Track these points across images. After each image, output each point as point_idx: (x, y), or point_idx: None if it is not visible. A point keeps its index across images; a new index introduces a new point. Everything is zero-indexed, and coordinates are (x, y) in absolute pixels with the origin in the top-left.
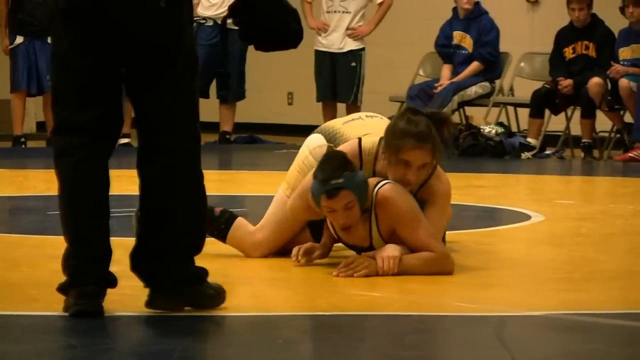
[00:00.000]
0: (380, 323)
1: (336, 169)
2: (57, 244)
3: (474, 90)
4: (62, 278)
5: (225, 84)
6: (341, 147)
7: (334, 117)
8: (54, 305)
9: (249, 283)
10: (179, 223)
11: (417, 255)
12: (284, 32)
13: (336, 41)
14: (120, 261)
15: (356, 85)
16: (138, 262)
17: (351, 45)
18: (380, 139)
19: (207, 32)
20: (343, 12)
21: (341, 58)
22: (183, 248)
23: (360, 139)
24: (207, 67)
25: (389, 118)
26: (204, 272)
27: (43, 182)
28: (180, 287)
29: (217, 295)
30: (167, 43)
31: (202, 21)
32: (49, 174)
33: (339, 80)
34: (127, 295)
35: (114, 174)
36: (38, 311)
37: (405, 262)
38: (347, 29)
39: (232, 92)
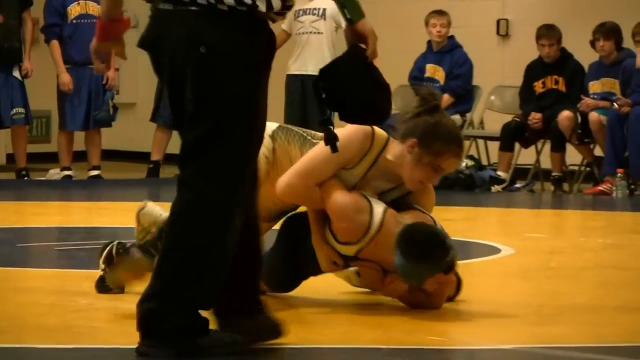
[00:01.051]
0: (350, 356)
1: (444, 246)
2: (26, 277)
3: None
4: (29, 309)
5: None
6: (351, 128)
7: None
8: (22, 338)
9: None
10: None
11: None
12: (366, 103)
13: (308, 64)
14: (88, 293)
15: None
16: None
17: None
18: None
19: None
20: (314, 32)
21: (311, 78)
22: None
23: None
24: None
25: None
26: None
27: (13, 214)
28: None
29: None
30: (205, 88)
31: None
32: (19, 205)
33: (310, 104)
34: (96, 328)
35: (83, 205)
36: (7, 344)
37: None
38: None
39: None
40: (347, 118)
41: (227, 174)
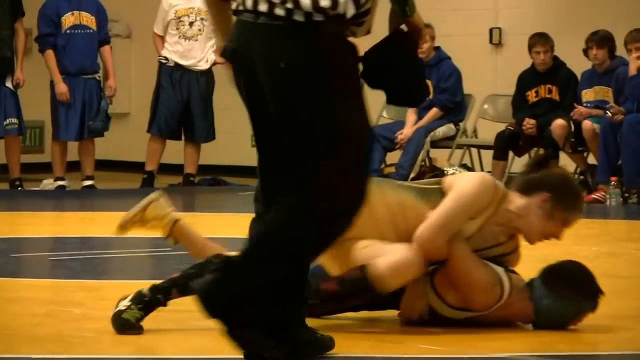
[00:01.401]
0: None
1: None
2: (19, 287)
3: (441, 132)
4: (23, 319)
5: (192, 125)
6: (473, 178)
7: None
8: (16, 348)
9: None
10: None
11: None
12: (413, 85)
13: None
14: (82, 304)
15: None
16: None
17: None
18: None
19: (168, 73)
20: None
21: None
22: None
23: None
24: (172, 109)
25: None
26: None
27: (6, 225)
28: None
29: None
30: (287, 104)
31: (164, 61)
32: (12, 216)
33: None
34: (89, 338)
35: (77, 216)
36: (0, 354)
37: None
38: None
39: (200, 133)
40: (395, 99)
41: (321, 185)
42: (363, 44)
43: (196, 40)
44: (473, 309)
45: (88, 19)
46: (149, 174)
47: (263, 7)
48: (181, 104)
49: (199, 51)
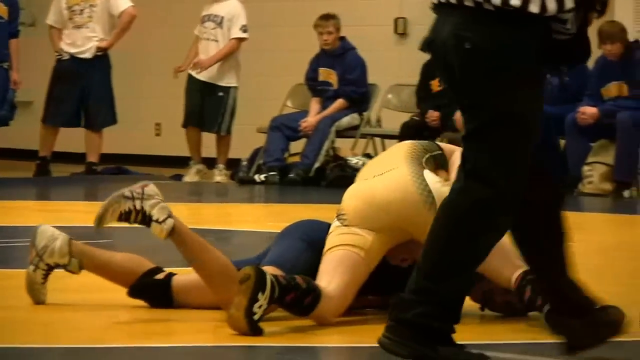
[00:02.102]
0: (238, 354)
1: None
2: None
3: (346, 121)
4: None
5: (89, 112)
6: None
7: (198, 144)
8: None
9: (112, 315)
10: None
11: None
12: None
13: (206, 71)
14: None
15: (221, 115)
16: None
17: (222, 81)
18: None
19: (65, 66)
20: (212, 40)
21: (210, 87)
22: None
23: None
24: (71, 99)
25: None
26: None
27: None
28: None
29: None
30: (470, 84)
31: (59, 56)
32: None
33: (206, 109)
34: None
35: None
36: None
37: None
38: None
39: (100, 118)
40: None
41: (492, 170)
42: None
43: (87, 27)
44: None
45: (1, 9)
46: (42, 160)
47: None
48: (76, 92)
49: (89, 39)
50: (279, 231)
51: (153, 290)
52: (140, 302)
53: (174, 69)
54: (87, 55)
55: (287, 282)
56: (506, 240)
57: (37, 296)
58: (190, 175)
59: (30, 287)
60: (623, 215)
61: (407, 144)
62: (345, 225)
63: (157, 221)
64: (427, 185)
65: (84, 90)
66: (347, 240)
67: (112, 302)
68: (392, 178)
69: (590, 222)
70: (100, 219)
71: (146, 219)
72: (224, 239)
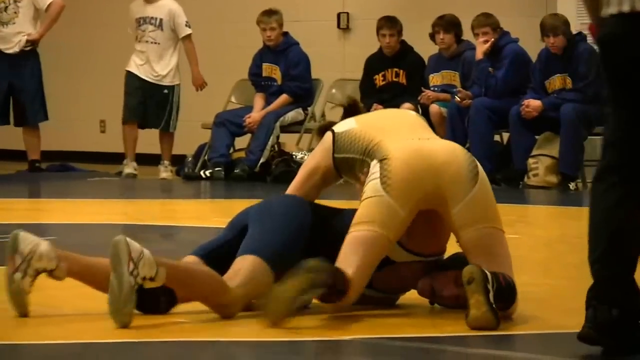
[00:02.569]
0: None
1: None
2: None
3: (290, 117)
4: None
5: (20, 109)
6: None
7: (135, 140)
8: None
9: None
10: None
11: None
12: None
13: (151, 72)
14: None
15: (168, 112)
16: None
17: (167, 80)
18: None
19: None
20: (152, 42)
21: (152, 87)
22: None
23: None
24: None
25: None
26: None
27: None
28: None
29: None
30: None
31: None
32: None
33: (150, 106)
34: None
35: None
36: None
37: None
38: None
39: (32, 115)
40: None
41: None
42: None
43: (13, 23)
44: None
45: None
46: None
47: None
48: (3, 90)
49: (17, 35)
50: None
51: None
52: None
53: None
54: (15, 49)
55: None
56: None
57: (23, 307)
58: (127, 173)
59: (17, 296)
60: (569, 208)
61: (415, 115)
62: (386, 192)
63: (151, 279)
64: (474, 159)
65: (12, 86)
66: (378, 219)
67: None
68: (446, 144)
69: (535, 215)
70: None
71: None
72: (168, 235)
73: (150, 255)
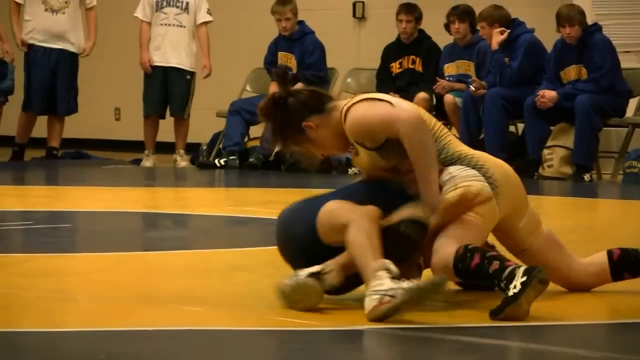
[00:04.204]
0: (201, 338)
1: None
2: None
3: None
4: None
5: (55, 99)
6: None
7: (156, 133)
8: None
9: (71, 299)
10: None
11: None
12: None
13: (170, 56)
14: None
15: (187, 99)
16: None
17: (184, 64)
18: None
19: (40, 55)
20: (177, 25)
21: (174, 72)
22: None
23: None
24: (40, 86)
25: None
26: None
27: None
28: None
29: None
30: None
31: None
32: None
33: (174, 94)
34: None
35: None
36: None
37: None
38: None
39: (63, 106)
40: None
41: None
42: None
43: (63, 13)
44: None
45: None
46: (20, 147)
47: None
48: (48, 79)
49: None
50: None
51: None
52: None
53: (143, 63)
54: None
55: None
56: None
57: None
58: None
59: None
60: (583, 199)
61: None
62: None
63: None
64: None
65: (54, 76)
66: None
67: (72, 286)
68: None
69: (549, 206)
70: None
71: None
72: (182, 222)
73: None
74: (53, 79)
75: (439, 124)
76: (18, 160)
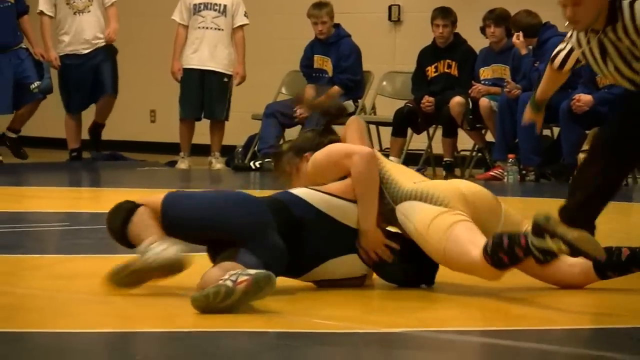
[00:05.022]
0: (236, 341)
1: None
2: None
3: None
4: None
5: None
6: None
7: (191, 135)
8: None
9: (105, 301)
10: None
11: None
12: None
13: (207, 59)
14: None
15: (227, 101)
16: None
17: (222, 67)
18: None
19: (80, 59)
20: (214, 28)
21: (212, 75)
22: None
23: None
24: (81, 87)
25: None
26: None
27: None
28: None
29: None
30: None
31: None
32: None
33: (212, 97)
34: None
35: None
36: None
37: None
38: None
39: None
40: None
41: None
42: None
43: (89, 11)
44: None
45: None
46: (77, 152)
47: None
48: (89, 80)
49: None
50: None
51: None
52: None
53: (174, 73)
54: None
55: None
56: None
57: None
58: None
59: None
60: (618, 203)
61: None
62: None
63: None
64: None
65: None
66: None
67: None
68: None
69: None
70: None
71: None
72: None
73: None
74: (96, 77)
75: (389, 164)
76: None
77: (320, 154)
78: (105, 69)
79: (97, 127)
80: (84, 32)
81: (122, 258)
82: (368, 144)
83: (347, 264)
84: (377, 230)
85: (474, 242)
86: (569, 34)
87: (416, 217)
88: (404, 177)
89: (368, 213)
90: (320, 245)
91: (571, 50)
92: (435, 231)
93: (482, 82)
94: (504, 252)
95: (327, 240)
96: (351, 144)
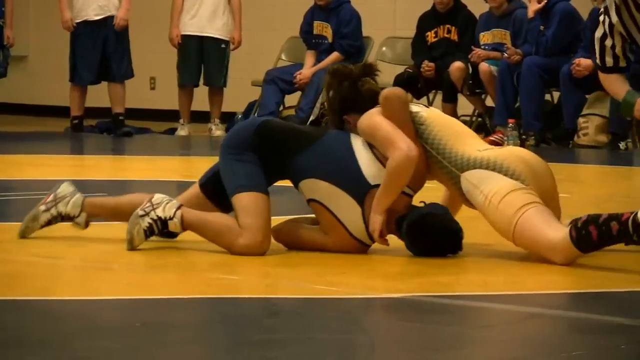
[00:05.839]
0: (238, 307)
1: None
2: None
3: None
4: None
5: (109, 68)
6: None
7: (190, 102)
8: None
9: (110, 268)
10: None
11: None
12: None
13: (206, 25)
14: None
15: (225, 67)
16: None
17: (220, 33)
18: None
19: (89, 28)
20: None
21: (210, 41)
22: None
23: None
24: (89, 57)
25: None
26: None
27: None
28: None
29: None
30: None
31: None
32: None
33: (210, 63)
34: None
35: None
36: None
37: None
38: None
39: (120, 72)
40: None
41: None
42: None
43: None
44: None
45: None
46: (79, 119)
47: None
48: (97, 50)
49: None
50: None
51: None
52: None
53: (172, 39)
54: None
55: None
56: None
57: (27, 231)
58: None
59: (30, 221)
60: (618, 167)
61: None
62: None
63: (170, 219)
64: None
65: (104, 46)
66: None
67: (108, 255)
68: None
69: (585, 174)
70: (132, 243)
71: (165, 223)
72: None
73: (78, 198)
74: (105, 49)
75: (446, 132)
76: (77, 132)
77: (365, 127)
78: (115, 54)
79: (116, 117)
80: None
81: (122, 226)
82: (407, 120)
83: (348, 208)
84: (380, 218)
85: (549, 223)
86: (601, 18)
87: (489, 187)
88: (465, 144)
89: (384, 200)
90: (334, 166)
91: (613, 46)
92: (509, 205)
93: (483, 47)
94: (596, 225)
95: (343, 169)
96: (398, 132)
